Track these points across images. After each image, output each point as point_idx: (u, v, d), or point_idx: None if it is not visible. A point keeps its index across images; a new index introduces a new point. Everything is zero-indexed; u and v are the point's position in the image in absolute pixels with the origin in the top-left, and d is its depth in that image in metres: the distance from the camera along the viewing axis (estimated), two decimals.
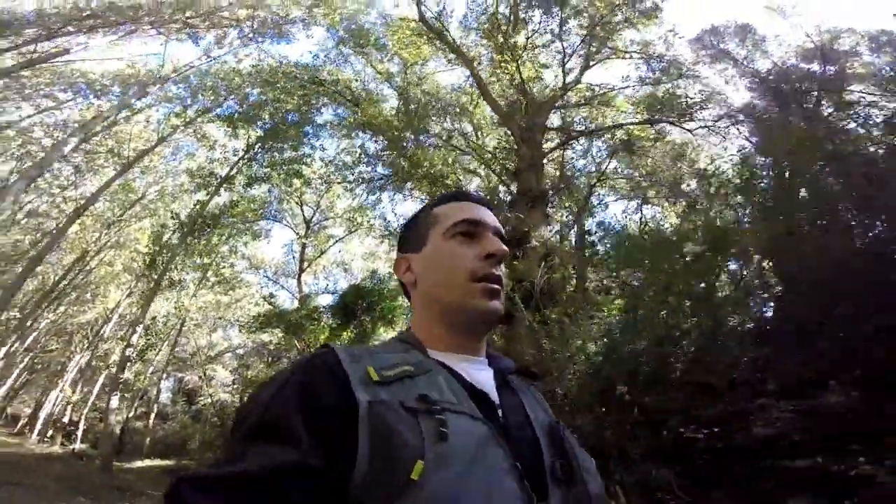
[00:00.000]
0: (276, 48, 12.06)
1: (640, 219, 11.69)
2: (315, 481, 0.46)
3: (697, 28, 12.72)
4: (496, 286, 0.68)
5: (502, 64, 8.52)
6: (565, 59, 9.53)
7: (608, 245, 7.97)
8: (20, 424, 23.62)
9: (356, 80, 10.56)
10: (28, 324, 15.23)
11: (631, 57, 10.74)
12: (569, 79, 9.71)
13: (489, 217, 0.74)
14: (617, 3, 10.39)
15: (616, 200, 12.29)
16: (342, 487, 0.46)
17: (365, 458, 0.47)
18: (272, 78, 10.08)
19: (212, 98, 11.75)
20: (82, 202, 13.15)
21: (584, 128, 9.98)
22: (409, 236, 0.77)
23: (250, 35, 11.54)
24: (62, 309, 17.34)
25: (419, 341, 0.67)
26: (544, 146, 8.67)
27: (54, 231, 13.45)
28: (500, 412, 0.60)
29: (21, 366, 19.22)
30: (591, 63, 10.25)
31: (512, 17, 9.63)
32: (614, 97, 10.94)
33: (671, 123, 9.13)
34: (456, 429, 0.50)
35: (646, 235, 6.94)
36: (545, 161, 9.61)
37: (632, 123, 9.47)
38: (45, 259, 13.49)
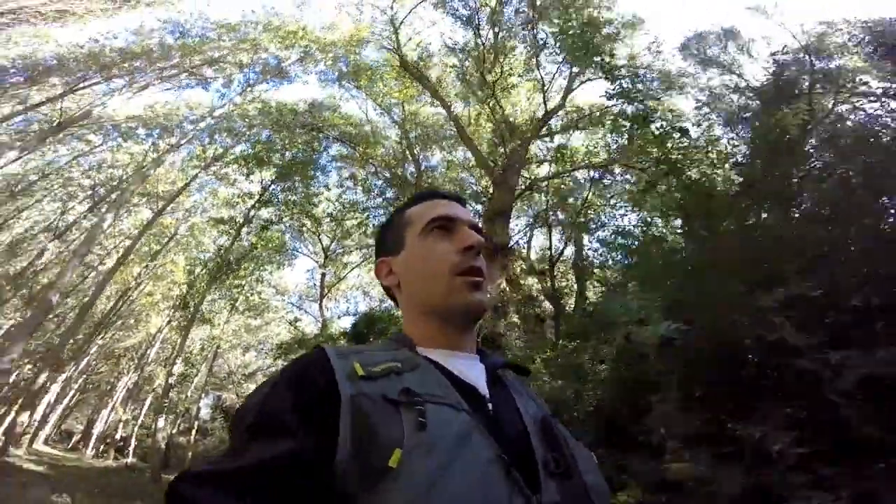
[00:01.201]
0: (280, 90, 13.53)
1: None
2: (310, 471, 0.49)
3: (682, 36, 13.24)
4: (478, 278, 0.71)
5: (481, 103, 9.64)
6: (545, 87, 10.47)
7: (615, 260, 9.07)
8: (74, 440, 26.79)
9: (353, 120, 11.92)
10: (78, 347, 17.64)
11: (612, 78, 11.58)
12: (553, 104, 10.72)
13: (462, 212, 0.78)
14: (598, 22, 11.37)
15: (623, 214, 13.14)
16: (327, 476, 0.49)
17: (346, 448, 0.50)
18: (279, 119, 11.66)
19: (227, 139, 13.53)
20: (124, 242, 15.36)
21: (554, 170, 10.84)
22: (387, 240, 0.81)
23: (253, 79, 13.18)
24: (110, 334, 19.79)
25: (409, 340, 0.70)
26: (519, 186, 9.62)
27: (102, 270, 15.72)
28: (489, 406, 0.63)
29: (75, 386, 21.94)
30: (574, 86, 11.22)
31: (492, 50, 10.72)
32: (602, 117, 11.87)
33: (629, 167, 9.92)
34: (436, 419, 0.53)
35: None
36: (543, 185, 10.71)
37: (592, 166, 10.31)
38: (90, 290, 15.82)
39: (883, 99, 8.86)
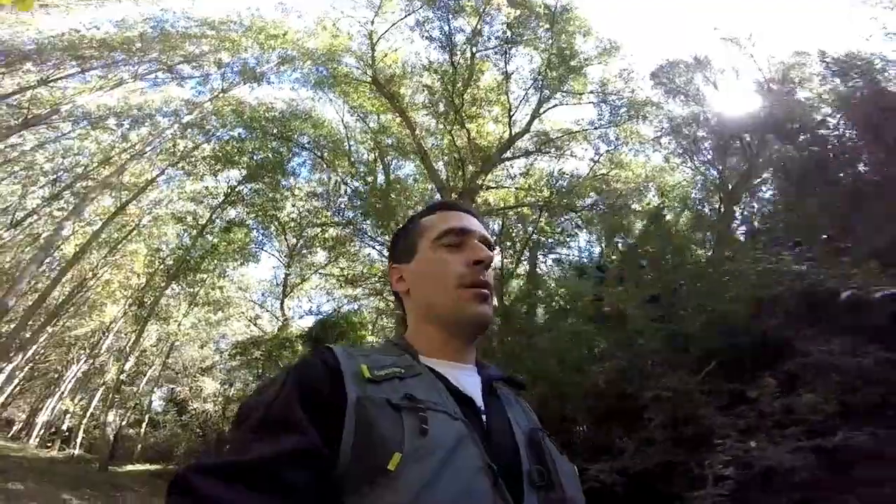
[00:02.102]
0: (256, 91, 14.11)
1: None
2: (316, 467, 0.53)
3: (656, 64, 14.30)
4: (485, 291, 0.77)
5: (448, 124, 10.54)
6: (511, 113, 11.42)
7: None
8: (15, 428, 26.55)
9: (324, 129, 12.63)
10: (28, 337, 17.74)
11: (580, 102, 12.63)
12: (518, 128, 11.67)
13: (475, 225, 0.83)
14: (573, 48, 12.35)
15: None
16: (329, 474, 0.53)
17: (348, 448, 0.54)
18: (251, 123, 12.27)
19: (199, 135, 14.04)
20: (84, 228, 15.62)
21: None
22: (400, 247, 0.88)
23: (230, 78, 13.73)
24: (62, 322, 19.87)
25: (411, 347, 0.76)
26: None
27: (59, 257, 15.91)
28: (483, 417, 0.68)
29: (20, 374, 21.86)
30: (541, 111, 12.18)
31: (465, 72, 11.57)
32: (570, 139, 12.90)
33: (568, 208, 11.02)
34: (435, 426, 0.58)
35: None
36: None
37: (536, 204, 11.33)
38: (49, 277, 16.04)
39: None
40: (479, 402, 0.71)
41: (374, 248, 12.06)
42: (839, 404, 3.59)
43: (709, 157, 12.80)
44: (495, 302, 0.82)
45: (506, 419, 0.71)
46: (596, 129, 12.52)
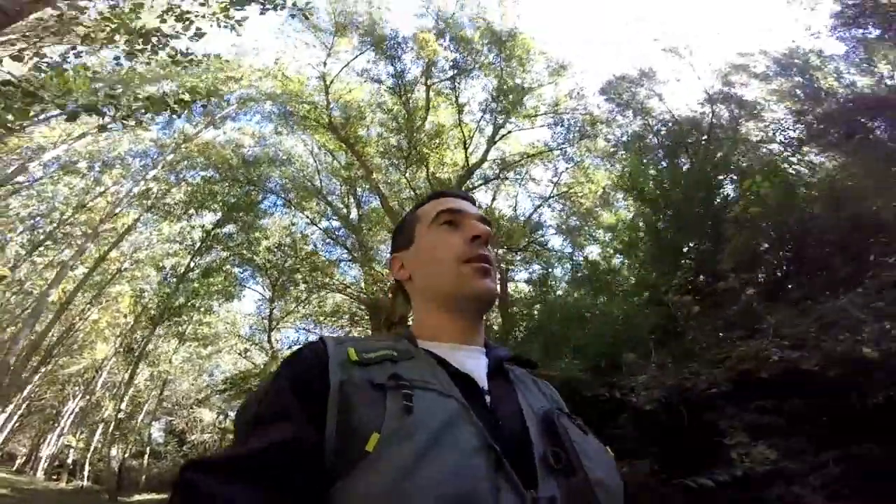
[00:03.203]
0: (222, 129, 15.19)
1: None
2: (309, 455, 0.55)
3: (603, 80, 15.30)
4: (486, 265, 0.79)
5: (405, 167, 11.73)
6: (466, 144, 12.52)
7: None
8: (18, 462, 28.28)
9: (287, 172, 13.75)
10: (24, 377, 19.12)
11: (533, 126, 13.76)
12: (476, 158, 12.84)
13: (469, 206, 0.88)
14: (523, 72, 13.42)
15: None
16: (320, 463, 0.55)
17: (332, 433, 0.56)
18: (219, 167, 13.39)
19: (170, 177, 15.20)
20: (66, 273, 16.83)
21: None
22: (399, 237, 0.92)
23: (194, 118, 14.79)
24: (53, 361, 21.24)
25: (412, 334, 0.79)
26: None
27: (46, 302, 17.16)
28: (486, 397, 0.68)
29: (17, 412, 23.37)
30: (497, 138, 13.32)
31: (421, 110, 12.68)
32: (528, 162, 14.05)
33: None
34: (422, 404, 0.58)
35: None
36: None
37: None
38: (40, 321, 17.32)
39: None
40: (483, 382, 0.71)
41: (347, 288, 13.24)
42: None
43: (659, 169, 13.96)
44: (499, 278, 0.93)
45: (514, 400, 0.71)
46: (551, 150, 13.62)
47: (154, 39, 5.25)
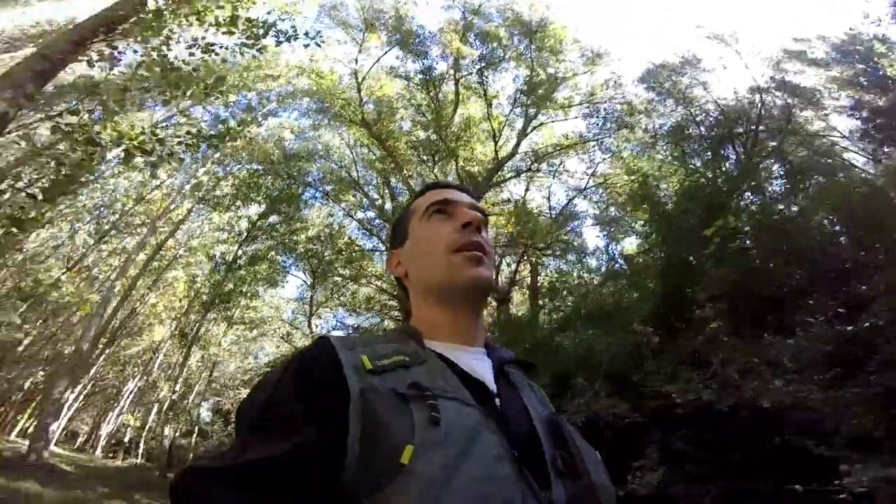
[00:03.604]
0: (265, 124, 16.42)
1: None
2: (316, 468, 0.54)
3: (643, 67, 15.18)
4: (477, 252, 0.79)
5: (434, 162, 12.37)
6: (496, 136, 13.00)
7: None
8: (79, 441, 31.00)
9: (325, 166, 14.71)
10: (92, 359, 21.19)
11: (567, 117, 14.03)
12: (505, 151, 13.28)
13: (461, 195, 0.89)
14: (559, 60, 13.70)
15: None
16: (335, 473, 0.54)
17: (355, 445, 0.55)
18: (262, 162, 14.50)
19: (218, 170, 16.56)
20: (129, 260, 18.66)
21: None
22: (396, 234, 0.94)
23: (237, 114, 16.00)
24: (115, 342, 23.36)
25: (417, 332, 0.77)
26: None
27: (116, 290, 19.06)
28: (497, 401, 0.69)
29: (83, 391, 25.77)
30: (529, 130, 13.68)
31: (451, 104, 13.24)
32: (562, 154, 14.33)
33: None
34: (447, 415, 0.58)
35: None
36: None
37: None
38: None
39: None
40: (492, 386, 0.72)
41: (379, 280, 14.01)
42: None
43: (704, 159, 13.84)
44: (494, 266, 0.87)
45: (521, 404, 0.73)
46: (585, 142, 13.82)
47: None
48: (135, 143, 5.24)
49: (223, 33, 6.22)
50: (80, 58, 5.00)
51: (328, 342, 0.67)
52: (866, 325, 5.17)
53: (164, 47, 5.62)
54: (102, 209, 19.57)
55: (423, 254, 0.84)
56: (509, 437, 0.62)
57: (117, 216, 18.50)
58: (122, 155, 5.36)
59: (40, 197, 4.50)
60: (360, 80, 13.06)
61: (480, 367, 0.75)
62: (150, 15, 5.24)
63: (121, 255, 18.99)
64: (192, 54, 6.02)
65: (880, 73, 13.84)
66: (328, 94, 13.26)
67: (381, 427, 0.56)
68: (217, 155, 16.23)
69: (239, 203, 14.75)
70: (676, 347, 7.01)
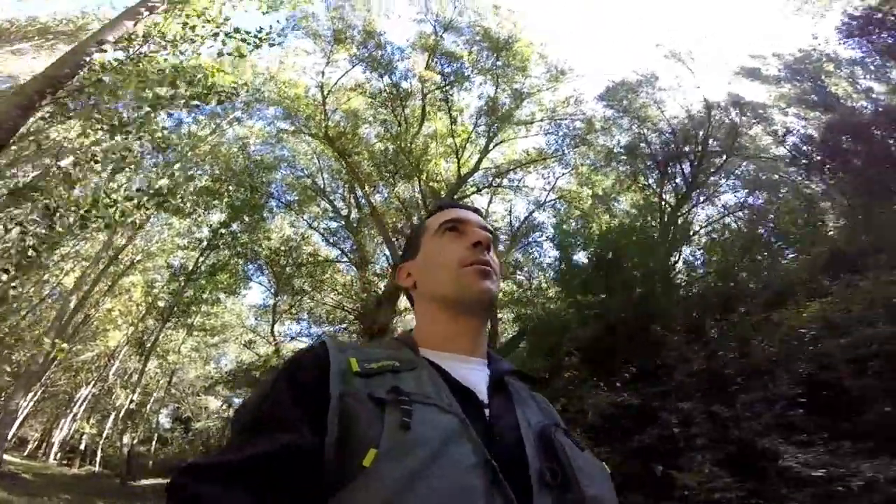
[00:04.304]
0: (230, 128, 16.81)
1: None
2: (308, 464, 0.59)
3: (604, 85, 16.10)
4: (486, 267, 0.87)
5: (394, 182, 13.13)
6: (459, 154, 13.79)
7: None
8: (29, 447, 30.65)
9: (288, 178, 15.25)
10: (41, 363, 21.19)
11: (528, 135, 14.92)
12: (468, 168, 14.11)
13: (472, 216, 0.98)
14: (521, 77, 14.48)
15: None
16: (320, 473, 0.59)
17: (331, 446, 0.60)
18: (225, 167, 14.91)
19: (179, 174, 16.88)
20: (81, 263, 18.77)
21: None
22: (407, 247, 1.03)
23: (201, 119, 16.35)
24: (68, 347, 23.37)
25: (413, 341, 0.85)
26: None
27: (61, 289, 19.13)
28: (486, 412, 0.73)
29: (33, 397, 25.61)
30: (491, 147, 14.53)
31: (415, 121, 13.95)
32: (522, 170, 15.23)
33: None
34: (421, 420, 0.62)
35: None
36: None
37: None
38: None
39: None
40: (483, 395, 0.76)
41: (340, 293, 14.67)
42: None
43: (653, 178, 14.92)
44: (500, 283, 0.93)
45: (513, 415, 0.75)
46: (545, 159, 14.76)
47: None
48: (89, 211, 5.69)
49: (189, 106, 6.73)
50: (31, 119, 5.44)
51: (323, 345, 0.73)
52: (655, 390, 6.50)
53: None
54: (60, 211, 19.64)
55: (434, 266, 0.91)
56: (495, 447, 0.65)
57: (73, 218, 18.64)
58: (78, 222, 5.82)
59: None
60: (325, 93, 13.60)
61: (475, 376, 0.79)
62: (92, 78, 5.66)
63: (75, 259, 19.12)
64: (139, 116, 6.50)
65: (826, 90, 15.21)
66: (292, 105, 13.77)
67: (353, 430, 0.61)
68: (177, 164, 16.56)
69: (200, 211, 15.11)
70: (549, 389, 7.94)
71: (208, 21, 6.95)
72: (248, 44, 7.53)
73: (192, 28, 6.75)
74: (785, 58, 16.47)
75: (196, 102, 6.94)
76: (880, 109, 12.47)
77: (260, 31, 7.72)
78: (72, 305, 16.60)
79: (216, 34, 7.17)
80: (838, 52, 14.34)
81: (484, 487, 0.59)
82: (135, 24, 6.32)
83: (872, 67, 14.25)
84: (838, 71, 15.39)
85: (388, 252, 13.50)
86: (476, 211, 1.01)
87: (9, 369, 19.38)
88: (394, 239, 12.87)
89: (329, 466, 0.59)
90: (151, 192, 7.22)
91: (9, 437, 16.85)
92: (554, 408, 0.92)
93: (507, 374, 0.85)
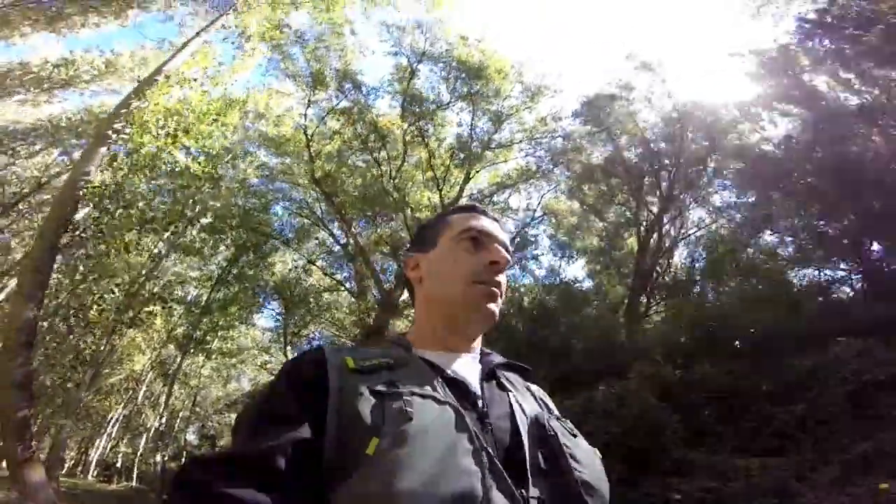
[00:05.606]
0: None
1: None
2: (311, 457, 0.65)
3: (580, 99, 17.37)
4: (495, 290, 0.92)
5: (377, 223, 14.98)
6: (440, 184, 15.50)
7: None
8: (66, 466, 34.12)
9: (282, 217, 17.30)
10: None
11: (507, 160, 16.54)
12: (450, 197, 15.86)
13: (497, 230, 1.01)
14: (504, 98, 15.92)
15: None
16: (321, 464, 0.65)
17: (333, 437, 0.66)
18: (225, 209, 16.99)
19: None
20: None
21: None
22: (422, 237, 1.06)
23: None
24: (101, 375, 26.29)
25: (406, 341, 0.92)
26: None
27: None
28: (479, 402, 0.80)
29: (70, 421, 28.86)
30: (472, 175, 16.20)
31: (398, 157, 15.70)
32: (502, 192, 16.89)
33: None
34: (419, 411, 0.69)
35: None
36: None
37: None
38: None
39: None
40: (475, 387, 0.83)
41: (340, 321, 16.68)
42: None
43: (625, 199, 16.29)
44: (501, 305, 0.97)
45: (507, 404, 0.83)
46: (527, 180, 16.33)
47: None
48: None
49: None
50: None
51: (320, 349, 0.82)
52: None
53: None
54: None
55: (446, 272, 0.96)
56: (490, 436, 0.74)
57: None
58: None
59: None
60: (309, 136, 15.31)
61: (467, 369, 0.88)
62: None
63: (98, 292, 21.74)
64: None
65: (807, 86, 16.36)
66: (279, 150, 15.60)
67: (354, 421, 0.68)
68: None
69: (208, 249, 17.26)
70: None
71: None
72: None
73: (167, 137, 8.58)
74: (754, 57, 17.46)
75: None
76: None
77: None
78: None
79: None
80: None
81: (482, 473, 0.66)
82: (108, 149, 8.31)
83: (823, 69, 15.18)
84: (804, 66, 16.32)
85: (375, 292, 15.42)
86: (502, 225, 1.06)
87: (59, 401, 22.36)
88: (382, 277, 14.79)
89: (331, 457, 0.67)
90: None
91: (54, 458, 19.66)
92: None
93: (498, 366, 0.94)
